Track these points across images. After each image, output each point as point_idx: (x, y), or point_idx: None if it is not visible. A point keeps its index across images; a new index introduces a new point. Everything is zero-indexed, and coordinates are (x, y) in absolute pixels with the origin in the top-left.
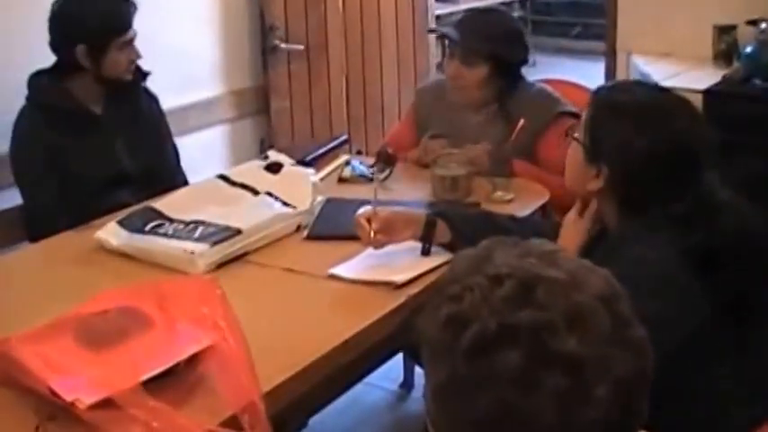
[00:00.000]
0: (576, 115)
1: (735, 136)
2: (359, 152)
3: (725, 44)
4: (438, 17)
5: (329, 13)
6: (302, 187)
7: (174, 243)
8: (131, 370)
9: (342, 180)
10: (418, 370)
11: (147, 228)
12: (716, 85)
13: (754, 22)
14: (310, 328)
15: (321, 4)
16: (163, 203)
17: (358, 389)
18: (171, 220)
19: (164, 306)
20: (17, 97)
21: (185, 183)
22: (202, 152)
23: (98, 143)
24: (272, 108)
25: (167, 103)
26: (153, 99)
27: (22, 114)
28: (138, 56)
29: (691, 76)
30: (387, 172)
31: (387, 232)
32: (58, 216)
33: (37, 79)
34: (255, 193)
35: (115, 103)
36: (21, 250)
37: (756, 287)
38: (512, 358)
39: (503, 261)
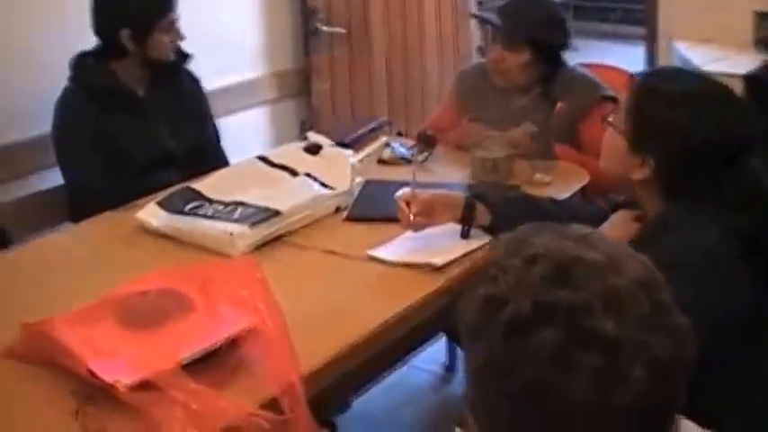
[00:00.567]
0: (616, 100)
1: None
2: (399, 134)
3: (765, 30)
4: (480, 1)
5: None
6: (341, 168)
7: (214, 224)
8: (172, 352)
9: (381, 161)
10: (461, 353)
11: (187, 209)
12: (757, 70)
13: None
14: (350, 311)
15: None
16: (203, 184)
17: (402, 371)
18: (211, 201)
19: (205, 288)
20: (56, 79)
21: (227, 163)
22: (245, 133)
23: (142, 124)
24: (313, 90)
25: (210, 84)
26: (195, 81)
27: (66, 94)
28: (182, 37)
29: (731, 62)
30: (426, 154)
31: (426, 215)
32: (102, 195)
33: (82, 60)
34: (295, 174)
35: (158, 85)
36: (62, 231)
37: None
38: (548, 337)
39: (540, 243)
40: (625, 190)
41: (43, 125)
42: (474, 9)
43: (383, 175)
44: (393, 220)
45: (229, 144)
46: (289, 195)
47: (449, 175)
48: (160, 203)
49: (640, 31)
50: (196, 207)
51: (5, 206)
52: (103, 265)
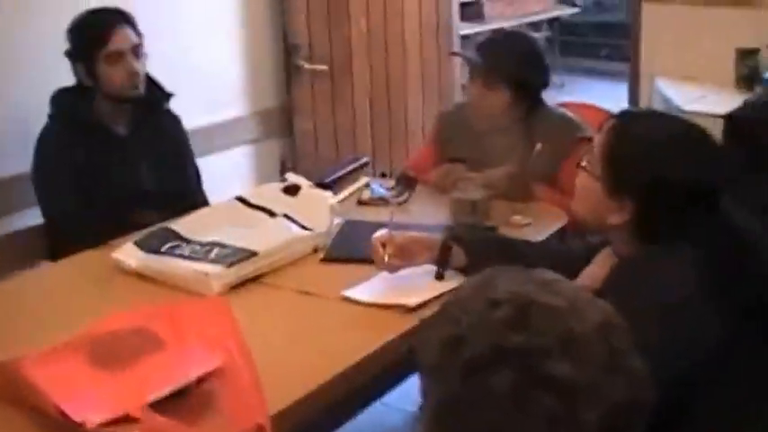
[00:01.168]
0: None
1: (755, 160)
2: (383, 174)
3: (747, 68)
4: (467, 36)
5: (353, 34)
6: (320, 209)
7: (190, 264)
8: (141, 390)
9: (361, 202)
10: None
11: (164, 249)
12: (738, 109)
13: None
14: (322, 351)
15: (345, 24)
16: (180, 224)
17: (377, 410)
18: (188, 241)
19: (175, 327)
20: (34, 117)
21: (206, 203)
22: (227, 172)
23: (122, 163)
24: (295, 128)
25: (192, 122)
26: (176, 120)
27: (47, 131)
28: (136, 69)
29: (712, 101)
30: (406, 195)
31: (402, 256)
32: (81, 230)
33: (62, 96)
34: (273, 215)
35: (139, 124)
36: (39, 269)
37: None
38: (504, 380)
39: (504, 286)
40: (599, 232)
41: (19, 164)
42: (457, 47)
43: (362, 216)
44: (370, 260)
45: (211, 183)
46: (266, 236)
47: (428, 215)
48: (137, 243)
49: (628, 67)
50: (173, 247)
51: None
52: (79, 304)
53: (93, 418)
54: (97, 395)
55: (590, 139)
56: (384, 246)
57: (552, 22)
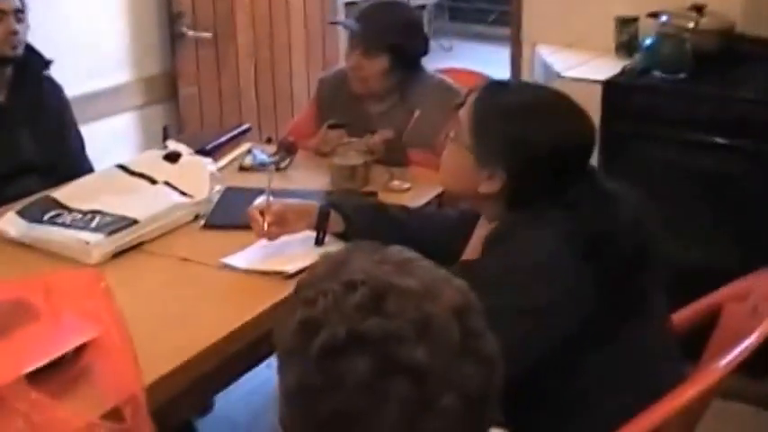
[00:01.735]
0: None
1: (633, 126)
2: (269, 139)
3: (626, 36)
4: (354, 3)
5: (236, 1)
6: (200, 177)
7: (71, 233)
8: (15, 362)
9: (243, 169)
10: None
11: (46, 218)
12: (616, 76)
13: (654, 15)
14: (199, 319)
15: None
16: (62, 193)
17: (266, 375)
18: (69, 210)
19: (49, 298)
20: None
21: (91, 171)
22: (112, 139)
23: (1, 131)
24: (180, 95)
25: (75, 90)
26: (57, 88)
27: None
28: (16, 29)
29: (592, 67)
30: (287, 161)
31: (280, 224)
32: None
33: None
34: (153, 182)
35: (17, 92)
36: None
37: (636, 275)
38: (359, 365)
39: (359, 267)
40: (470, 203)
41: None
42: (341, 14)
43: (244, 183)
44: (250, 227)
45: (95, 151)
46: (147, 204)
47: (309, 181)
48: (19, 212)
49: None
50: (54, 216)
51: None
52: None
53: None
54: None
55: None
56: (262, 214)
57: None
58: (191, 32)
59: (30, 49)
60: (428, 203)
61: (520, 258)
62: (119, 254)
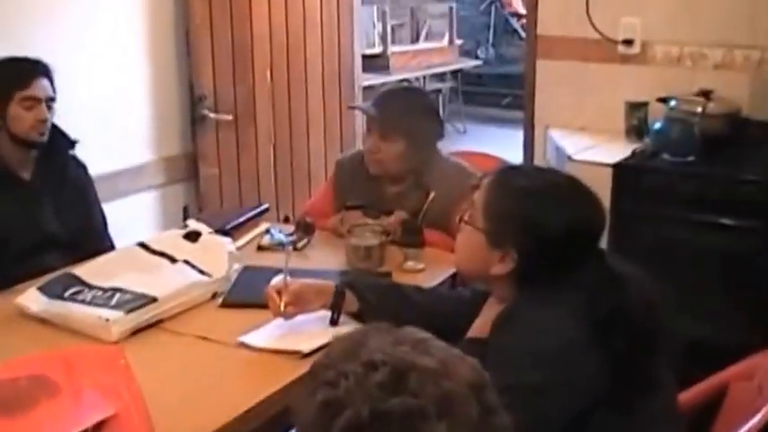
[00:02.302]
0: None
1: (643, 207)
2: (286, 218)
3: (636, 120)
4: (372, 87)
5: (257, 84)
6: (219, 256)
7: (91, 310)
8: None
9: (261, 248)
10: None
11: (67, 294)
12: (626, 159)
13: (663, 100)
14: (215, 397)
15: (249, 75)
16: (83, 270)
17: None
18: (90, 287)
19: (70, 374)
20: None
21: (112, 248)
22: (132, 217)
23: (26, 208)
24: (200, 175)
25: (98, 168)
26: (81, 166)
27: None
28: (46, 117)
29: (603, 150)
30: (305, 240)
31: (297, 303)
32: None
33: None
34: (173, 260)
35: (43, 169)
36: None
37: (647, 354)
38: None
39: (377, 347)
40: (483, 284)
41: None
42: (359, 97)
43: (261, 262)
44: (267, 306)
45: (117, 228)
46: (166, 282)
47: (326, 261)
48: (41, 288)
49: None
50: (75, 293)
51: None
52: None
53: None
54: None
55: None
56: (279, 293)
57: (456, 72)
58: (212, 115)
59: (56, 129)
60: (441, 284)
61: (531, 338)
62: (137, 331)
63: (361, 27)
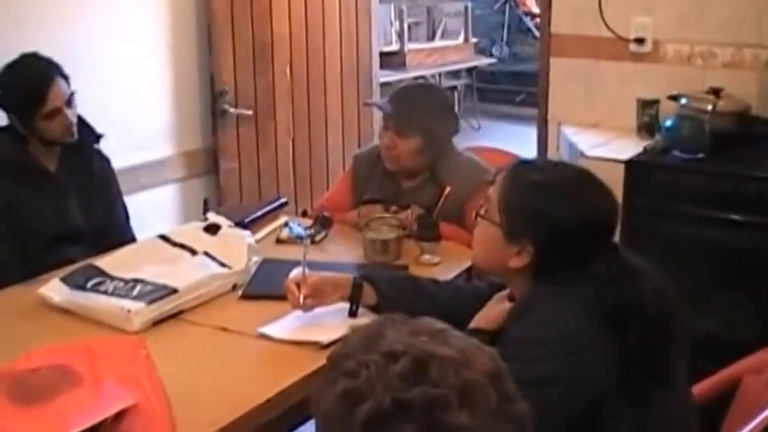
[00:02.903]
0: None
1: (654, 203)
2: (304, 212)
3: (648, 117)
4: (389, 84)
5: (277, 80)
6: (238, 248)
7: (113, 301)
8: (59, 426)
9: (279, 241)
10: None
11: (89, 285)
12: (638, 155)
13: (674, 98)
14: (235, 387)
15: (269, 71)
16: (105, 261)
17: None
18: (112, 278)
19: (93, 364)
20: None
21: (134, 240)
22: (153, 210)
23: (51, 200)
24: (220, 169)
25: (120, 162)
26: (105, 160)
27: None
28: (72, 121)
29: (615, 147)
30: (323, 234)
31: (316, 296)
32: (9, 269)
33: None
34: (194, 253)
35: (69, 162)
36: None
37: (661, 345)
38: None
39: (395, 338)
40: (499, 277)
41: None
42: (376, 93)
43: (280, 255)
44: (286, 298)
45: (138, 221)
46: (187, 274)
47: (343, 254)
48: (63, 279)
49: None
50: (98, 284)
51: None
52: (3, 339)
53: None
54: None
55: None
56: (298, 286)
57: (471, 70)
58: (232, 110)
59: (82, 122)
60: (457, 277)
61: (547, 330)
62: (158, 322)
63: (378, 25)
